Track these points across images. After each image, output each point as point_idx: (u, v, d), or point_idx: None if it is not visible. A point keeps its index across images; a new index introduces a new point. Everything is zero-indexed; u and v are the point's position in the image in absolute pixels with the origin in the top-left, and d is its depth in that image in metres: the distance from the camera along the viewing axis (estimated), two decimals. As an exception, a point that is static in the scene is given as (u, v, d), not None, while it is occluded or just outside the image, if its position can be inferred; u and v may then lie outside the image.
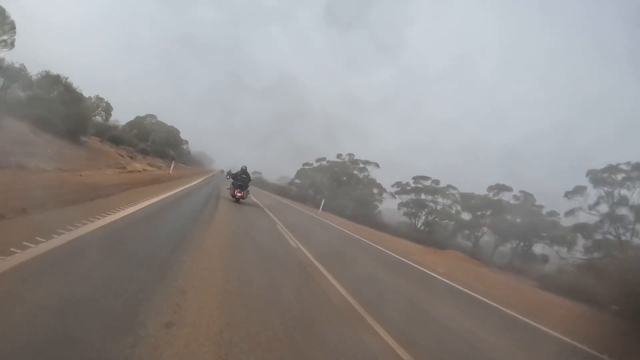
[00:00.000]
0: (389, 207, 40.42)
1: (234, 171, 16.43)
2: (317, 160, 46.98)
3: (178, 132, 51.90)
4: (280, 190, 50.06)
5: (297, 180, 48.20)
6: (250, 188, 17.11)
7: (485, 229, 29.57)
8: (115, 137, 27.69)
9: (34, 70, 19.96)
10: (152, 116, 53.35)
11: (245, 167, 15.90)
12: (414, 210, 32.65)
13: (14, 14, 20.05)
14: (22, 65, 19.69)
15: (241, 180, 15.37)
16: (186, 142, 54.86)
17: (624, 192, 23.83)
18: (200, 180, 25.29)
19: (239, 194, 15.25)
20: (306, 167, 47.93)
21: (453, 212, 31.27)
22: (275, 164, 64.79)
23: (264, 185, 64.16)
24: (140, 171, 17.74)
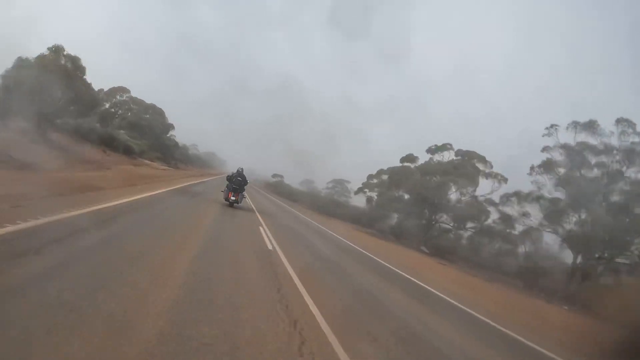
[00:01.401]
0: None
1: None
2: (431, 151, 25.82)
3: (162, 113, 33.87)
4: (323, 206, 30.56)
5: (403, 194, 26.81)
6: (270, 201, 18.40)
7: None
8: None
9: None
10: (124, 90, 35.63)
11: (242, 169, 14.99)
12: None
13: None
14: None
15: (236, 183, 14.43)
16: (172, 127, 36.29)
17: None
18: None
19: (232, 198, 14.24)
20: (407, 164, 26.97)
21: None
22: (296, 167, 58.14)
23: (291, 194, 45.81)
24: None
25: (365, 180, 57.65)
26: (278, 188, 59.63)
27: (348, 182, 75.49)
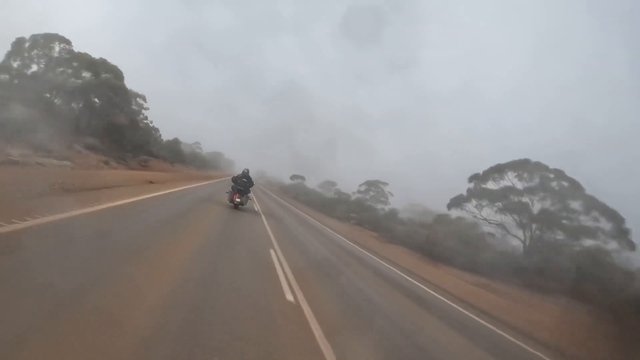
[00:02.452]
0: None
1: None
2: None
3: (119, 75, 20.03)
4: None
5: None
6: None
7: None
8: None
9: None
10: (60, 39, 21.92)
11: (248, 170, 14.30)
12: None
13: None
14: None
15: (241, 184, 13.84)
16: (137, 98, 22.62)
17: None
18: None
19: (237, 199, 13.60)
20: None
21: None
22: (314, 167, 54.64)
23: (323, 204, 33.31)
24: None
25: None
26: (301, 194, 45.30)
27: (385, 184, 60.65)
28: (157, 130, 29.46)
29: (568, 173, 19.26)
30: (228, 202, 13.66)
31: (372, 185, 56.21)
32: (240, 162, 59.22)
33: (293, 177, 53.46)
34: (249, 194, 14.36)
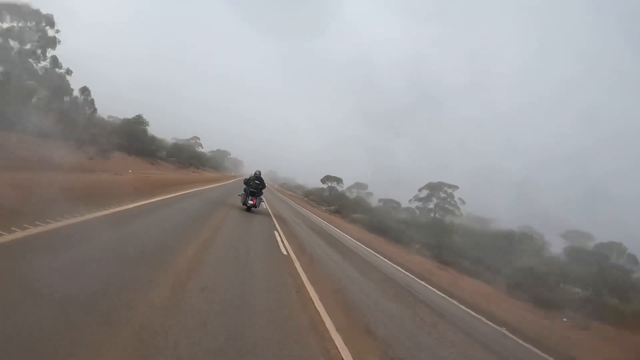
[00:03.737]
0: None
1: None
2: None
3: None
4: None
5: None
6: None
7: None
8: None
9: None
10: None
11: (259, 172, 14.36)
12: None
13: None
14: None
15: (254, 186, 13.94)
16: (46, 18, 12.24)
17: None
18: None
19: (250, 202, 13.71)
20: None
21: None
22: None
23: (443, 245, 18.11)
24: None
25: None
26: (345, 207, 29.45)
27: (454, 187, 45.48)
28: (85, 91, 14.79)
29: None
30: (241, 204, 13.79)
31: (436, 189, 40.25)
32: (250, 162, 54.41)
33: (325, 178, 37.99)
34: (261, 197, 14.33)
